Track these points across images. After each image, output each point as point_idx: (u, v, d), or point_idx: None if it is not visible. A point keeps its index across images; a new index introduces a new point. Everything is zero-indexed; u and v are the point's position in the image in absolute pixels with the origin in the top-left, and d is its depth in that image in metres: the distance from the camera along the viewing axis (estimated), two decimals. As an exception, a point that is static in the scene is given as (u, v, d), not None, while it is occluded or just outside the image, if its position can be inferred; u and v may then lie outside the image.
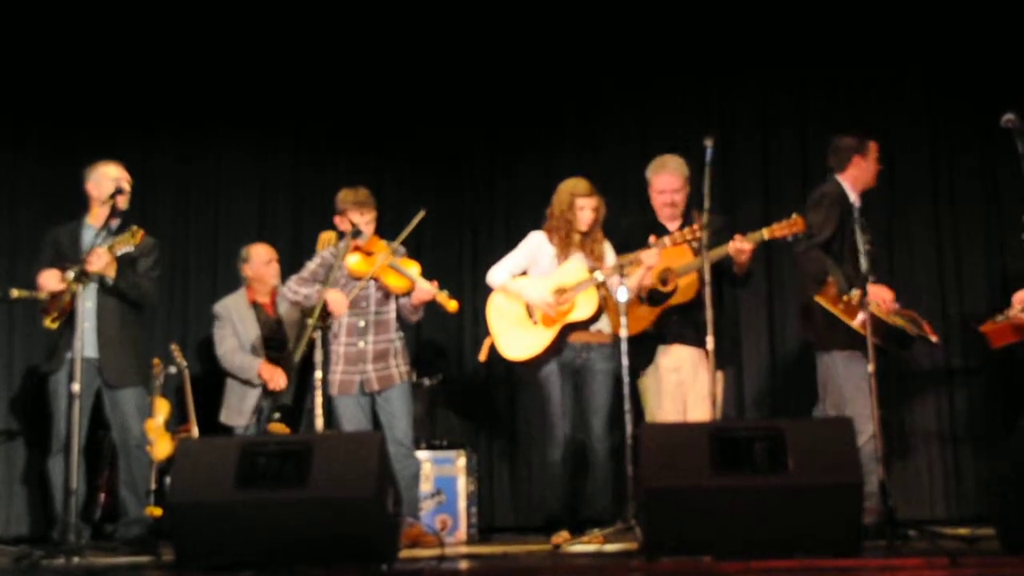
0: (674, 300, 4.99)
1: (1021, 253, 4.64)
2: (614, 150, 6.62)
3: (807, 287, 4.85)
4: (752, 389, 6.34)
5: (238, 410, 5.65)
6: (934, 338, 4.80)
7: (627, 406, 4.56)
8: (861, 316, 4.48)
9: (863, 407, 4.53)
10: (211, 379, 5.94)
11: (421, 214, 4.99)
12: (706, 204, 4.49)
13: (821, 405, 4.89)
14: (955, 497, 6.03)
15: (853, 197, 4.94)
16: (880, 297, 4.64)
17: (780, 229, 4.65)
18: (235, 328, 5.73)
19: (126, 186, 4.91)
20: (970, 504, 5.92)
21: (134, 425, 5.06)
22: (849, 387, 4.72)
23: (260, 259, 5.85)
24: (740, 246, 4.69)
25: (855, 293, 4.52)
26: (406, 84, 6.85)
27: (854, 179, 4.97)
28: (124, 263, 4.89)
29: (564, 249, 5.08)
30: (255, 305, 5.82)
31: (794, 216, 4.69)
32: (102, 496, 5.63)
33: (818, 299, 4.73)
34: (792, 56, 6.49)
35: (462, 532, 5.68)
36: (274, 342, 5.73)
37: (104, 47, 6.59)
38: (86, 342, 4.77)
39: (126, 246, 4.65)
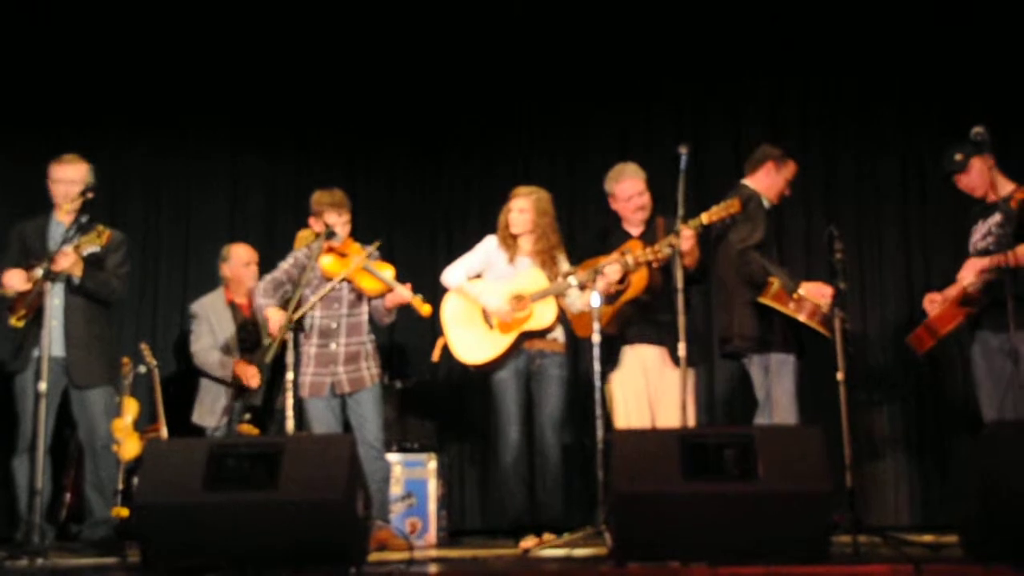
0: (627, 296, 5.00)
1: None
2: (591, 154, 6.63)
3: (739, 292, 4.87)
4: (722, 389, 6.37)
5: (211, 410, 5.62)
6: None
7: (598, 411, 4.57)
8: (812, 308, 4.62)
9: (789, 415, 4.71)
10: (184, 379, 5.90)
11: (377, 244, 5.01)
12: (680, 211, 4.52)
13: (761, 411, 4.91)
14: (920, 504, 6.09)
15: (766, 203, 5.01)
16: (821, 292, 4.69)
17: (718, 212, 4.66)
18: (211, 327, 5.71)
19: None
20: (935, 512, 5.98)
21: (101, 425, 5.01)
22: (778, 391, 4.77)
23: (239, 260, 5.82)
24: (682, 233, 4.67)
25: (803, 288, 4.66)
26: (381, 84, 6.85)
27: (766, 186, 5.03)
28: (91, 262, 4.84)
29: (508, 252, 5.11)
30: (232, 305, 5.80)
31: (731, 199, 4.72)
32: (67, 496, 5.58)
33: (763, 300, 4.77)
34: (765, 64, 6.54)
35: (432, 535, 5.67)
36: (248, 343, 5.71)
37: (75, 44, 6.55)
38: (53, 341, 4.71)
39: (92, 246, 4.61)
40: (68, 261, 4.68)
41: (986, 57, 6.23)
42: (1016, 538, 3.24)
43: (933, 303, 4.75)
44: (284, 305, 4.93)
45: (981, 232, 4.75)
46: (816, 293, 4.70)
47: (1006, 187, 4.70)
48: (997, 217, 4.62)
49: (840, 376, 4.29)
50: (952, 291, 4.70)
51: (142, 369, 5.72)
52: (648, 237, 5.03)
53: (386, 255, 5.27)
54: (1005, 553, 3.26)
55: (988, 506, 3.37)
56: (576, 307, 5.02)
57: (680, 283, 4.47)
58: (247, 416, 5.43)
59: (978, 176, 4.70)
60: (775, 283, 4.76)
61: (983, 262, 4.59)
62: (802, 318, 4.69)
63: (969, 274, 4.62)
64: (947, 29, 6.33)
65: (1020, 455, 3.32)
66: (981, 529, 3.44)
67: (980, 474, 3.47)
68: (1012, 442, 3.40)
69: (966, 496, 3.61)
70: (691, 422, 4.79)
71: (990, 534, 3.36)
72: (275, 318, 4.89)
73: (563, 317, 5.14)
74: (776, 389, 4.79)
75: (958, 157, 4.72)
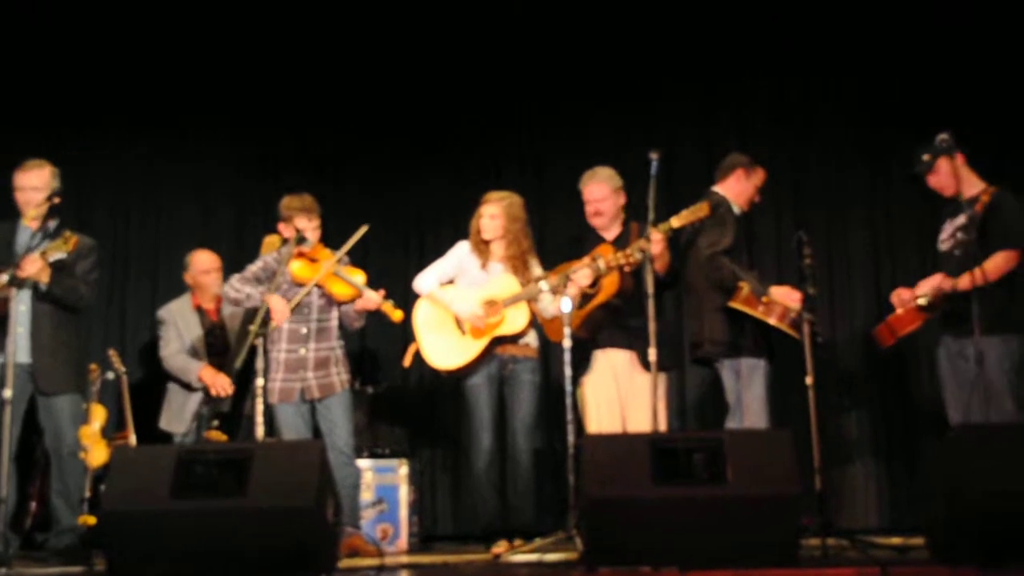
0: (598, 299, 5.02)
1: (947, 260, 4.75)
2: (562, 159, 6.63)
3: (709, 297, 4.90)
4: (694, 394, 6.39)
5: (178, 416, 5.58)
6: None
7: (569, 416, 4.58)
8: (781, 311, 4.65)
9: (760, 419, 4.74)
10: (152, 385, 5.85)
11: (364, 229, 4.97)
12: (650, 217, 4.55)
13: (732, 415, 4.93)
14: (888, 507, 6.14)
15: (736, 210, 5.04)
16: (790, 296, 4.73)
17: (688, 216, 4.69)
18: (179, 332, 5.67)
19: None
20: (903, 514, 6.02)
21: (68, 432, 4.94)
22: (749, 395, 4.81)
23: (198, 267, 5.78)
24: (652, 237, 4.68)
25: (773, 292, 4.70)
26: (352, 90, 6.83)
27: (735, 193, 5.07)
28: (59, 268, 4.79)
29: (481, 258, 5.11)
30: (199, 310, 5.76)
31: (701, 203, 4.75)
32: (33, 505, 5.51)
33: (733, 304, 4.80)
34: (733, 68, 6.58)
35: (403, 541, 5.65)
36: (216, 347, 5.67)
37: (43, 47, 6.49)
38: (19, 347, 4.66)
39: (59, 252, 4.57)
40: (34, 267, 4.63)
41: (953, 61, 6.30)
42: (981, 540, 3.27)
43: (901, 299, 4.77)
44: (252, 312, 4.89)
45: (948, 232, 4.79)
46: (785, 297, 4.73)
47: (977, 186, 4.72)
48: (962, 219, 4.65)
49: (809, 380, 4.32)
50: (912, 299, 4.72)
51: (110, 375, 5.67)
52: (621, 242, 5.04)
53: (357, 260, 5.26)
54: (971, 555, 3.30)
55: (954, 508, 3.40)
56: (549, 312, 5.03)
57: (651, 288, 4.49)
58: (215, 422, 5.39)
59: (946, 176, 4.73)
60: (745, 287, 4.79)
61: (947, 283, 4.61)
62: (772, 321, 4.72)
63: (927, 290, 4.65)
64: (914, 34, 6.39)
65: (985, 458, 3.36)
66: (947, 531, 3.47)
67: (946, 477, 3.51)
68: (977, 445, 3.43)
69: (932, 498, 3.65)
70: (662, 427, 4.82)
71: (956, 536, 3.40)
72: (278, 305, 4.83)
73: (535, 322, 5.15)
74: (747, 394, 4.82)
75: (925, 158, 4.74)
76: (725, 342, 4.85)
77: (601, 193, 5.12)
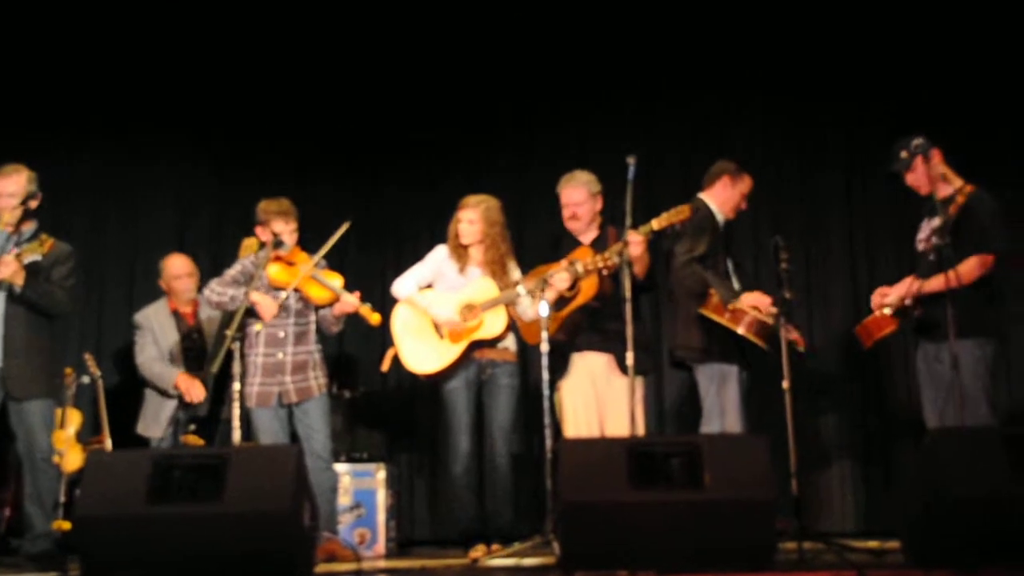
0: (576, 302, 5.02)
1: (923, 262, 4.78)
2: (543, 165, 6.63)
3: (685, 303, 4.93)
4: (672, 398, 6.41)
5: (155, 421, 5.54)
6: (801, 346, 4.93)
7: (546, 420, 4.58)
8: (749, 320, 4.66)
9: (734, 424, 4.77)
10: (130, 390, 5.81)
11: (345, 226, 4.96)
12: (628, 221, 4.56)
13: (707, 420, 4.94)
14: (865, 510, 6.18)
15: (720, 217, 5.06)
16: (760, 303, 4.75)
17: (668, 218, 4.71)
18: (155, 337, 5.63)
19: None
20: (880, 517, 6.05)
21: (40, 437, 4.88)
22: (721, 401, 4.83)
23: (171, 272, 5.75)
24: (630, 240, 4.69)
25: (742, 300, 4.73)
26: (329, 94, 6.81)
27: (722, 201, 5.09)
28: (33, 271, 4.74)
29: (459, 262, 5.11)
30: (176, 314, 5.73)
31: (682, 205, 4.77)
32: (7, 510, 5.46)
33: (702, 311, 4.82)
34: (713, 74, 6.61)
35: (381, 546, 5.64)
36: (193, 352, 5.64)
37: (21, 49, 6.44)
38: (-9, 351, 4.62)
39: (34, 255, 4.53)
40: (8, 270, 4.59)
41: (928, 63, 6.35)
42: (956, 543, 3.30)
43: (884, 296, 4.78)
44: (230, 316, 4.87)
45: (925, 232, 4.78)
46: (756, 302, 4.75)
47: (954, 184, 4.70)
48: (938, 220, 4.63)
49: (786, 384, 4.35)
50: (881, 306, 4.74)
51: (86, 380, 5.63)
52: (598, 245, 5.06)
53: (334, 264, 5.24)
54: (946, 558, 3.32)
55: (930, 512, 3.43)
56: (528, 315, 5.04)
57: (628, 292, 4.50)
58: (192, 427, 5.36)
59: (923, 175, 4.75)
60: (714, 295, 4.81)
61: (915, 285, 4.64)
62: (740, 330, 4.73)
63: (894, 299, 4.68)
64: (888, 38, 6.44)
65: (960, 462, 3.38)
66: (923, 535, 3.50)
67: (922, 480, 3.54)
68: (953, 449, 3.46)
69: (908, 502, 3.67)
70: (640, 430, 4.83)
71: (931, 539, 3.42)
72: (265, 302, 4.81)
73: (514, 326, 5.15)
74: (720, 399, 4.84)
75: (903, 155, 4.74)
76: (699, 348, 4.89)
77: (578, 197, 5.13)
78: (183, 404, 5.50)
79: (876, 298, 4.81)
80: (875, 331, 4.78)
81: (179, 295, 5.73)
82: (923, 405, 4.77)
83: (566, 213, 5.17)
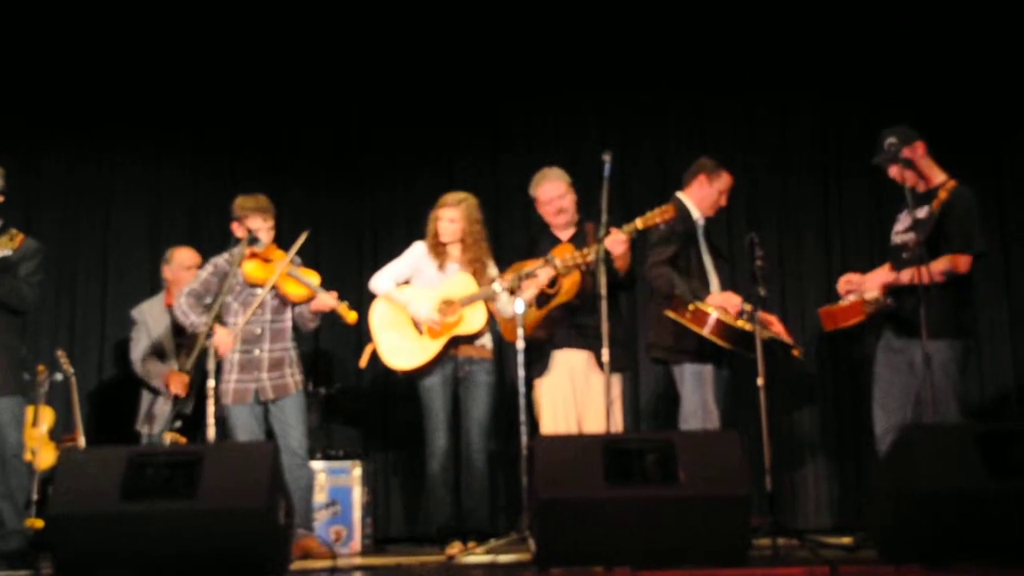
0: (558, 300, 5.03)
1: (897, 256, 4.79)
2: (517, 162, 6.64)
3: (659, 302, 4.95)
4: (650, 394, 6.43)
5: (148, 417, 5.52)
6: (796, 353, 4.95)
7: (522, 417, 4.59)
8: (711, 321, 4.65)
9: (709, 420, 4.79)
10: (123, 386, 5.78)
11: (304, 234, 4.95)
12: (603, 218, 4.56)
13: (683, 416, 4.95)
14: (838, 506, 6.22)
15: (697, 215, 5.06)
16: (728, 303, 4.77)
17: (653, 217, 4.71)
18: (148, 332, 5.60)
19: None
20: (854, 513, 6.08)
21: (10, 435, 4.79)
22: (697, 400, 4.84)
23: (180, 263, 5.72)
24: (615, 238, 4.70)
25: (708, 300, 4.73)
26: (305, 89, 6.78)
27: (699, 199, 5.08)
28: (2, 268, 4.68)
29: (438, 260, 5.11)
30: (170, 308, 5.68)
31: (666, 204, 4.78)
32: (-22, 509, 5.41)
33: (667, 313, 4.83)
34: (688, 73, 6.63)
35: (356, 543, 5.63)
36: (187, 345, 5.60)
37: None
38: (-43, 349, 4.56)
39: (4, 249, 4.47)
40: (-22, 265, 4.53)
41: (906, 63, 6.40)
42: (927, 539, 3.33)
43: (850, 283, 4.79)
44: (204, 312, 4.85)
45: (903, 224, 4.75)
46: (724, 302, 4.76)
47: (936, 178, 4.70)
48: (919, 213, 4.63)
49: (760, 381, 4.37)
50: (860, 293, 4.74)
51: (59, 377, 5.58)
52: (576, 242, 5.07)
53: (311, 262, 5.23)
54: (916, 554, 3.35)
55: (900, 508, 3.46)
56: (507, 312, 5.04)
57: (604, 289, 4.51)
58: (178, 424, 5.33)
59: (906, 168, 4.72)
60: (678, 296, 4.81)
61: (890, 276, 4.66)
62: (705, 332, 4.70)
63: (873, 288, 4.69)
64: (864, 39, 6.48)
65: (931, 458, 3.41)
66: (894, 531, 3.53)
67: (892, 477, 3.57)
68: (923, 445, 3.48)
69: (879, 498, 3.70)
70: (617, 427, 4.85)
71: (902, 536, 3.45)
72: (223, 338, 4.78)
73: (492, 323, 5.15)
74: (695, 396, 4.86)
75: (889, 143, 4.63)
76: (672, 347, 4.91)
77: (559, 190, 5.15)
78: (174, 401, 5.47)
79: (843, 284, 4.80)
80: (841, 319, 4.76)
81: (182, 287, 5.69)
82: (874, 394, 4.77)
83: (551, 208, 5.17)
